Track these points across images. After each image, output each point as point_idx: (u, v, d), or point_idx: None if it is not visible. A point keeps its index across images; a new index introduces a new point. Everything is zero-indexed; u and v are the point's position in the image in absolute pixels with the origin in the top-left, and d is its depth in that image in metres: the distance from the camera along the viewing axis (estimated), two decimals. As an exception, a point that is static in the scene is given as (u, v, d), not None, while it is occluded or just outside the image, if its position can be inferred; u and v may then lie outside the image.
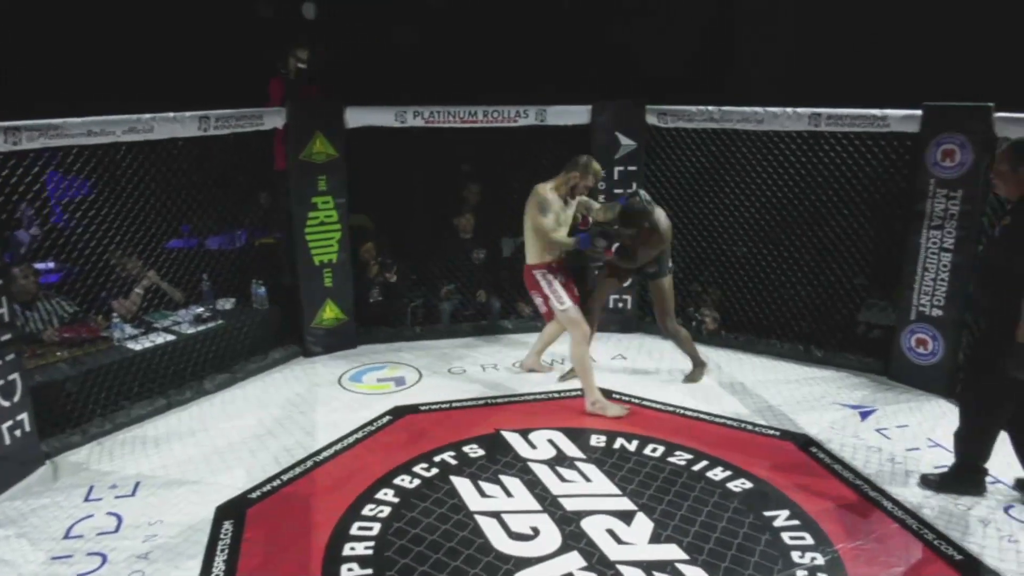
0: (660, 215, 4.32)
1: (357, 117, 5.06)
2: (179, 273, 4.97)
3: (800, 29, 6.46)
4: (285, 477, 3.66)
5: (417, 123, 5.15)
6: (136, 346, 4.45)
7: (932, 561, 3.03)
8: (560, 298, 4.34)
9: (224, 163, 4.90)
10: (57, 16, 6.02)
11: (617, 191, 5.43)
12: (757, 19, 7.20)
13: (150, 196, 4.59)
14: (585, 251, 4.33)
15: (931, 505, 3.40)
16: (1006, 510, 3.37)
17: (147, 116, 4.11)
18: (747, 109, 5.00)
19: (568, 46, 7.05)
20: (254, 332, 5.06)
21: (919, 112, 4.45)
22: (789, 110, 4.84)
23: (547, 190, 4.32)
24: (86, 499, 3.48)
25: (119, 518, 3.32)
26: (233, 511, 3.37)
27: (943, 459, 3.80)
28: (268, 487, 3.57)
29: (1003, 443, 3.81)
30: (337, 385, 4.78)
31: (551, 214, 4.28)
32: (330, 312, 5.23)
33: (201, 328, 4.78)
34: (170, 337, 4.62)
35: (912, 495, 3.48)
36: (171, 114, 4.22)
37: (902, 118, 4.51)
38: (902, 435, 4.08)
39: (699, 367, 4.80)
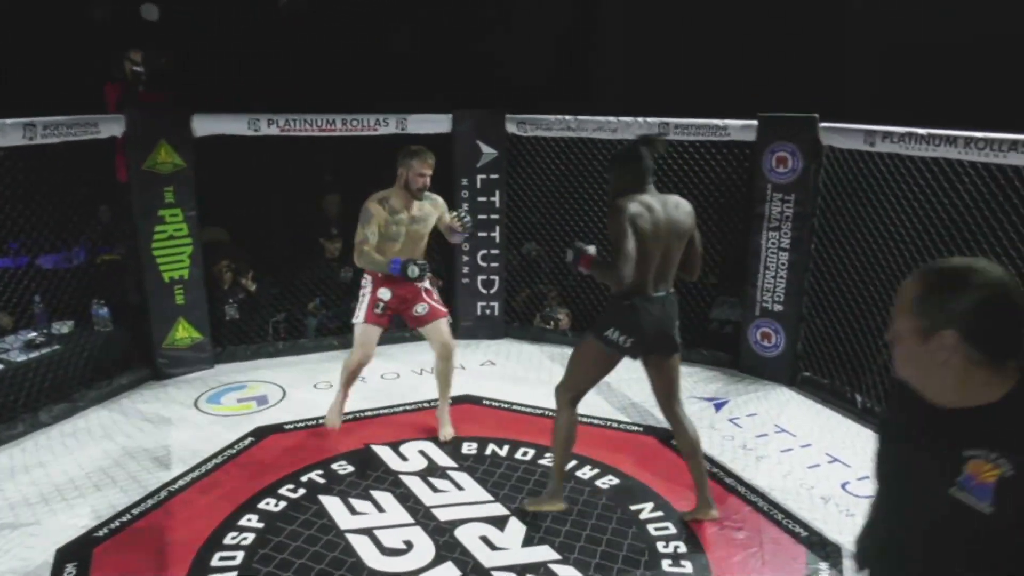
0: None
1: (206, 125, 4.80)
2: (6, 295, 4.51)
3: (651, 42, 6.80)
4: (136, 511, 3.40)
5: (272, 131, 4.96)
6: (-44, 378, 4.01)
7: (782, 539, 3.26)
8: (358, 310, 3.96)
9: (57, 174, 4.52)
10: None
11: (481, 199, 5.48)
12: (613, 30, 7.52)
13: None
14: (409, 277, 3.73)
15: (779, 487, 3.66)
16: (843, 486, 3.68)
17: (-39, 123, 3.71)
18: (601, 118, 5.19)
19: (428, 55, 7.06)
20: (96, 356, 4.68)
21: (755, 122, 4.80)
22: (640, 119, 5.07)
23: (371, 200, 3.86)
24: None
25: (-61, 572, 2.97)
26: (77, 552, 3.09)
27: (788, 443, 4.11)
28: (116, 523, 3.31)
29: (840, 423, 4.18)
30: (193, 408, 4.51)
31: (369, 226, 3.79)
32: (183, 331, 4.93)
33: (34, 355, 4.38)
34: (-3, 366, 4.19)
35: (762, 479, 3.73)
36: (-10, 121, 3.84)
37: (740, 127, 4.84)
38: (752, 423, 4.37)
39: (704, 508, 3.36)
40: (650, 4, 6.71)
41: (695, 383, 4.96)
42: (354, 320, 4.00)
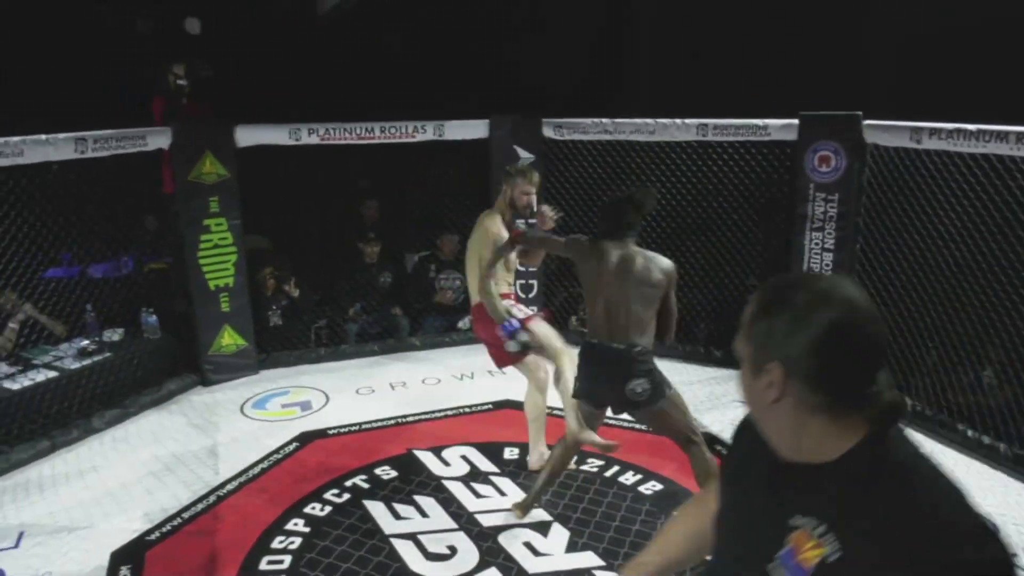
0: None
1: (249, 135, 4.90)
2: (60, 304, 4.65)
3: (687, 42, 6.74)
4: (186, 515, 3.48)
5: (312, 140, 5.03)
6: (14, 385, 4.14)
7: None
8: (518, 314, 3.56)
9: (107, 186, 4.64)
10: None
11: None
12: (645, 32, 7.47)
13: (23, 223, 4.28)
14: (508, 350, 3.52)
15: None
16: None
17: (16, 139, 3.83)
18: (639, 121, 5.16)
19: (462, 63, 7.09)
20: (146, 363, 4.80)
21: (796, 121, 4.72)
22: (678, 121, 5.03)
23: (489, 216, 3.68)
24: (-39, 556, 3.20)
25: (2, 573, 3.06)
26: (130, 555, 3.17)
27: (835, 447, 4.03)
28: (168, 527, 3.38)
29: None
30: (239, 414, 4.59)
31: (487, 247, 3.56)
32: (228, 338, 5.03)
33: (87, 362, 4.50)
34: (52, 373, 4.32)
35: (809, 484, 3.66)
36: (43, 136, 3.96)
37: (781, 127, 4.77)
38: (797, 427, 4.28)
39: None
40: (681, 4, 6.65)
41: (737, 387, 4.88)
42: (536, 330, 3.54)
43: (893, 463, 1.02)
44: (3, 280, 4.31)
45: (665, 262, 3.05)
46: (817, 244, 4.77)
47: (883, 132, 4.37)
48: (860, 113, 4.49)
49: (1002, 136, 3.74)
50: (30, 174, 4.13)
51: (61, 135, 4.05)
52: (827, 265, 4.75)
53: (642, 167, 5.39)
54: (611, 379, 2.98)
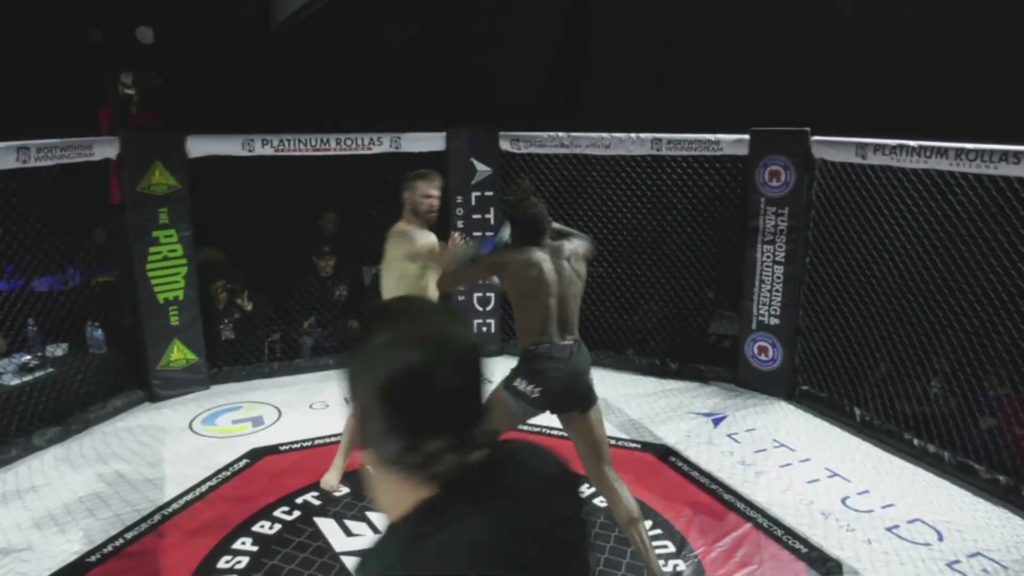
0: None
1: (200, 146, 4.81)
2: (0, 318, 4.49)
3: (646, 57, 6.83)
4: (129, 535, 3.37)
5: (266, 152, 4.97)
6: (-52, 403, 3.98)
7: (782, 555, 3.22)
8: None
9: (54, 197, 4.52)
10: None
11: (475, 216, 5.48)
12: (604, 47, 7.56)
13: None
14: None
15: (779, 503, 3.63)
16: (843, 501, 3.65)
17: (-46, 147, 3.71)
18: (595, 135, 5.21)
19: (421, 73, 7.08)
20: (90, 379, 4.65)
21: (747, 136, 4.81)
22: (633, 135, 5.09)
23: (398, 228, 3.57)
24: None
25: (-72, 601, 2.93)
26: (68, 579, 3.06)
27: (787, 457, 4.09)
28: (109, 547, 3.27)
29: (839, 437, 4.16)
30: (188, 430, 4.48)
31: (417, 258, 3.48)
32: (178, 352, 4.91)
33: (27, 378, 4.35)
34: (-10, 390, 4.17)
35: (761, 495, 3.70)
36: (-17, 144, 3.84)
37: (733, 142, 4.85)
38: (750, 438, 4.34)
39: None
40: (641, 20, 6.75)
41: (693, 398, 4.93)
42: None
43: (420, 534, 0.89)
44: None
45: (583, 245, 3.14)
46: (768, 257, 4.85)
47: (830, 147, 4.48)
48: (808, 129, 4.60)
49: (942, 152, 3.86)
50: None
51: (2, 143, 3.93)
52: (778, 278, 4.83)
53: (598, 180, 5.44)
54: (574, 374, 2.94)
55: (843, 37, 5.56)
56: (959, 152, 3.77)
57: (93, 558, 3.19)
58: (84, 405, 4.55)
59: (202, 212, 4.98)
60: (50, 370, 4.48)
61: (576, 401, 2.97)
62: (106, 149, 4.52)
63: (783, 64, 5.56)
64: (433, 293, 3.47)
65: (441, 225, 5.56)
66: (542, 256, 2.97)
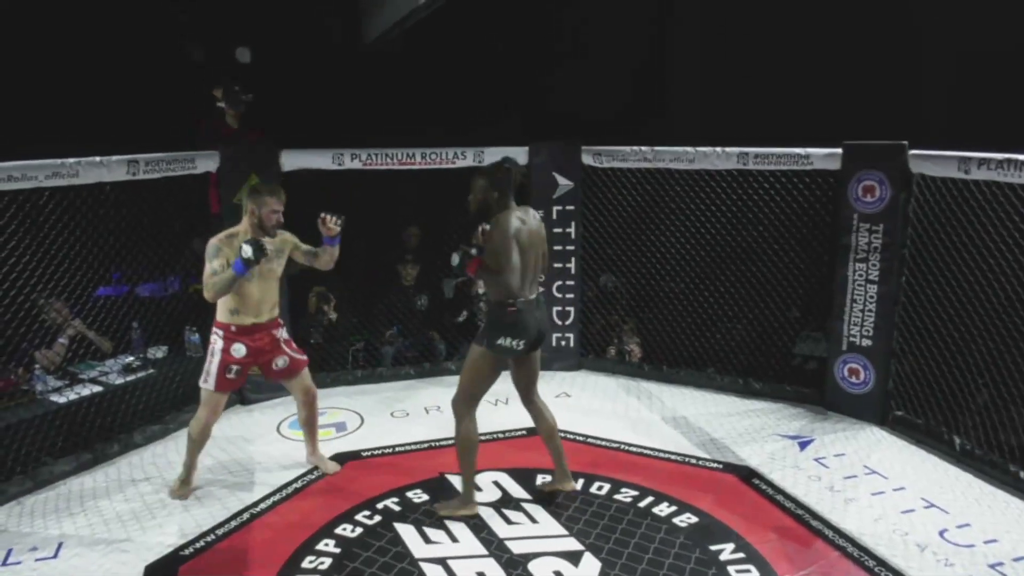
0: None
1: (293, 160, 5.01)
2: (107, 321, 4.78)
3: (729, 70, 6.73)
4: (220, 531, 3.50)
5: (354, 165, 5.13)
6: (60, 399, 4.25)
7: (873, 587, 3.08)
8: (208, 371, 3.70)
9: (157, 208, 4.79)
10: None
11: (557, 231, 5.49)
12: (688, 60, 7.48)
13: (75, 242, 4.43)
14: (244, 256, 3.38)
15: (870, 532, 3.47)
16: (941, 534, 3.46)
17: (71, 161, 3.98)
18: (678, 149, 5.14)
19: (503, 89, 7.18)
20: (187, 381, 4.88)
21: (839, 150, 4.65)
22: (719, 149, 5.00)
23: (217, 238, 3.61)
24: (4, 563, 3.25)
25: (39, 583, 3.12)
26: (164, 569, 3.20)
27: (879, 485, 3.91)
28: (202, 543, 3.41)
29: (936, 466, 3.95)
30: (276, 433, 4.64)
31: (217, 259, 3.52)
32: (268, 358, 5.08)
33: (130, 378, 4.60)
34: (97, 388, 4.43)
35: (851, 523, 3.54)
36: (97, 158, 4.10)
37: (824, 156, 4.70)
38: (839, 463, 4.17)
39: (562, 479, 3.80)
40: (725, 32, 6.65)
41: (777, 420, 4.78)
42: (202, 383, 3.73)
43: None
44: (55, 293, 4.44)
45: (534, 211, 3.54)
46: (861, 275, 4.67)
47: (929, 162, 4.28)
48: (905, 142, 4.42)
49: (1055, 167, 3.63)
50: (84, 195, 4.27)
51: (114, 157, 4.19)
52: (871, 297, 4.64)
53: (681, 195, 5.37)
54: (542, 324, 3.49)
55: (939, 39, 5.32)
56: (1074, 167, 3.54)
57: (187, 551, 3.34)
58: (181, 405, 4.78)
59: (291, 223, 5.16)
60: (151, 371, 4.72)
61: (538, 345, 3.51)
62: (207, 162, 4.76)
63: (875, 72, 5.37)
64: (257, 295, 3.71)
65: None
66: (520, 214, 3.38)
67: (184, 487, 3.85)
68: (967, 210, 4.13)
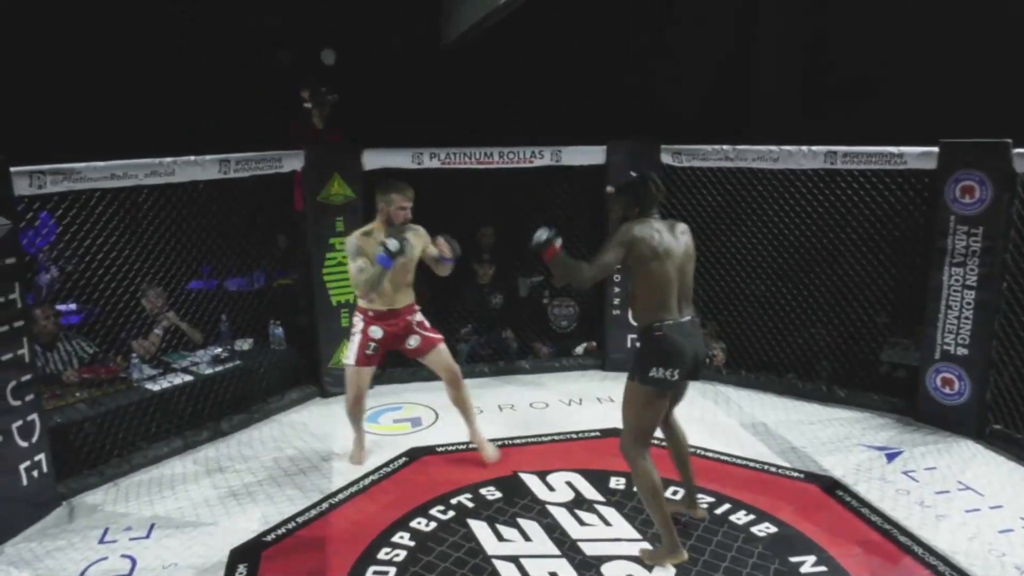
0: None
1: (375, 159, 5.12)
2: (198, 314, 5.01)
3: (814, 66, 6.51)
4: (300, 519, 3.61)
5: (433, 164, 5.20)
6: (154, 387, 4.46)
7: (967, 609, 2.92)
8: (351, 350, 4.05)
9: (245, 205, 4.98)
10: (76, 63, 6.18)
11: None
12: (772, 56, 7.27)
13: (171, 238, 4.65)
14: (391, 250, 3.61)
15: (963, 551, 3.29)
16: (1042, 556, 3.25)
17: (168, 160, 4.18)
18: (762, 148, 5.00)
19: (583, 87, 7.14)
20: (271, 372, 5.06)
21: (935, 149, 4.43)
22: (805, 148, 4.83)
23: (354, 235, 3.90)
24: (101, 541, 3.45)
25: (133, 561, 3.29)
26: (247, 554, 3.32)
27: (974, 502, 3.70)
28: (283, 530, 3.53)
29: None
30: (353, 426, 4.75)
31: (360, 258, 3.77)
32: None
33: (219, 368, 4.79)
34: (188, 377, 4.63)
35: (943, 540, 3.37)
36: (192, 157, 4.30)
37: (919, 155, 4.48)
38: (931, 477, 3.97)
39: (689, 503, 3.56)
40: (808, 26, 6.43)
41: (863, 430, 4.59)
42: (345, 361, 4.13)
43: None
44: (156, 281, 4.70)
45: (683, 226, 3.20)
46: (958, 281, 4.43)
47: (1036, 162, 4.03)
48: (1009, 140, 4.16)
49: None
50: (179, 193, 4.48)
51: (208, 156, 4.38)
52: (968, 304, 4.40)
53: (764, 196, 5.22)
54: (698, 348, 3.11)
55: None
56: None
57: (269, 538, 3.46)
58: (265, 396, 4.96)
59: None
60: (238, 362, 4.91)
61: (695, 373, 3.16)
62: (293, 162, 4.92)
63: (973, 66, 5.09)
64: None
65: (601, 238, 5.59)
66: (659, 226, 3.08)
67: (358, 452, 4.22)
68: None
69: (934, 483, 3.91)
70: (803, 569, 3.15)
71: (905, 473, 4.02)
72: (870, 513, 3.60)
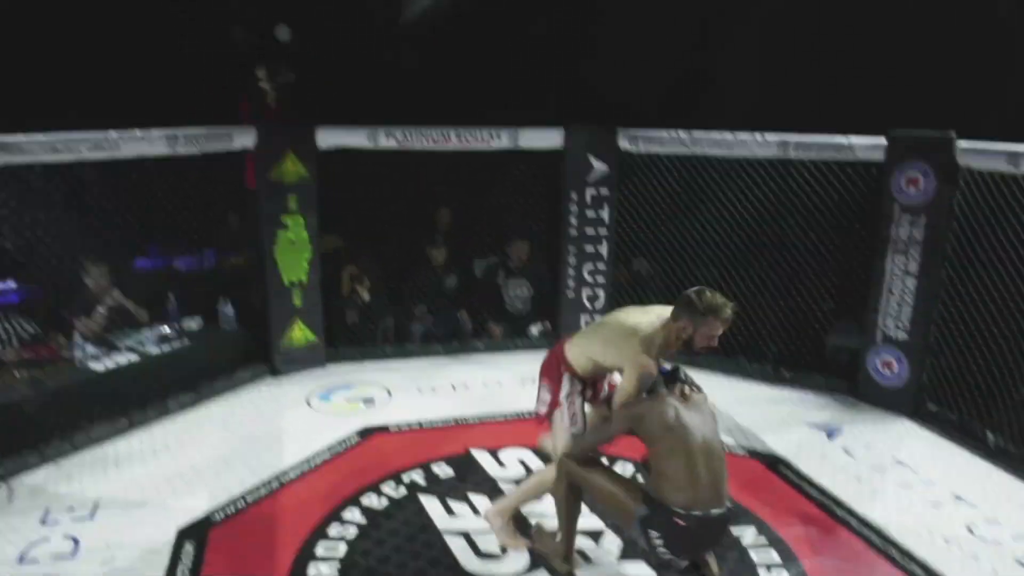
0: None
1: (329, 137, 5.05)
2: (145, 292, 4.89)
3: (770, 56, 6.60)
4: (249, 498, 3.58)
5: (390, 144, 5.15)
6: (98, 366, 4.36)
7: (898, 579, 3.05)
8: (574, 417, 3.07)
9: (194, 182, 4.87)
10: (18, 32, 5.95)
11: (589, 213, 5.48)
12: (729, 47, 7.35)
13: (116, 215, 4.53)
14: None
15: (896, 524, 3.42)
16: (969, 528, 3.41)
17: (113, 134, 4.06)
18: (717, 135, 5.08)
19: (540, 72, 7.13)
20: (220, 352, 4.98)
21: (883, 140, 4.56)
22: (758, 136, 4.92)
23: (647, 351, 2.83)
24: (42, 522, 3.37)
25: (76, 542, 3.22)
26: (195, 533, 3.29)
27: (907, 478, 3.86)
28: (232, 508, 3.49)
29: (968, 461, 3.89)
30: (305, 405, 4.72)
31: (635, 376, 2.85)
32: (299, 332, 5.17)
33: (166, 348, 4.70)
34: (134, 357, 4.53)
35: (877, 514, 3.50)
36: (138, 132, 4.18)
37: (867, 146, 4.60)
38: (868, 454, 4.12)
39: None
40: (767, 14, 6.51)
41: (806, 409, 4.73)
42: (569, 426, 3.06)
43: None
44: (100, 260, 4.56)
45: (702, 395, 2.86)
46: (900, 268, 4.58)
47: (977, 155, 4.17)
48: (953, 133, 4.31)
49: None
50: (125, 169, 4.36)
51: (155, 131, 4.27)
52: (908, 290, 4.56)
53: (718, 182, 5.30)
54: (712, 543, 2.80)
55: (993, 27, 5.16)
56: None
57: (217, 516, 3.42)
58: (214, 375, 4.87)
59: (327, 201, 5.21)
60: (186, 342, 4.83)
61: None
62: (244, 138, 4.82)
63: (922, 58, 5.22)
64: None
65: (556, 220, 5.61)
66: (673, 402, 2.73)
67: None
68: (1015, 204, 4.02)
69: (871, 459, 4.06)
70: (744, 541, 3.25)
71: (844, 450, 4.16)
72: (809, 488, 3.73)
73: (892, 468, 3.97)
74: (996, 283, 4.15)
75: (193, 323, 5.04)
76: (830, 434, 4.37)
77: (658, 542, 2.62)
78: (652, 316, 2.94)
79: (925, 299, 4.51)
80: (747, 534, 3.30)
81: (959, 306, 4.36)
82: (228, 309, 5.15)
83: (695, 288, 2.85)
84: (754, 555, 3.16)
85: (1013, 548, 3.26)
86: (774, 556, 3.16)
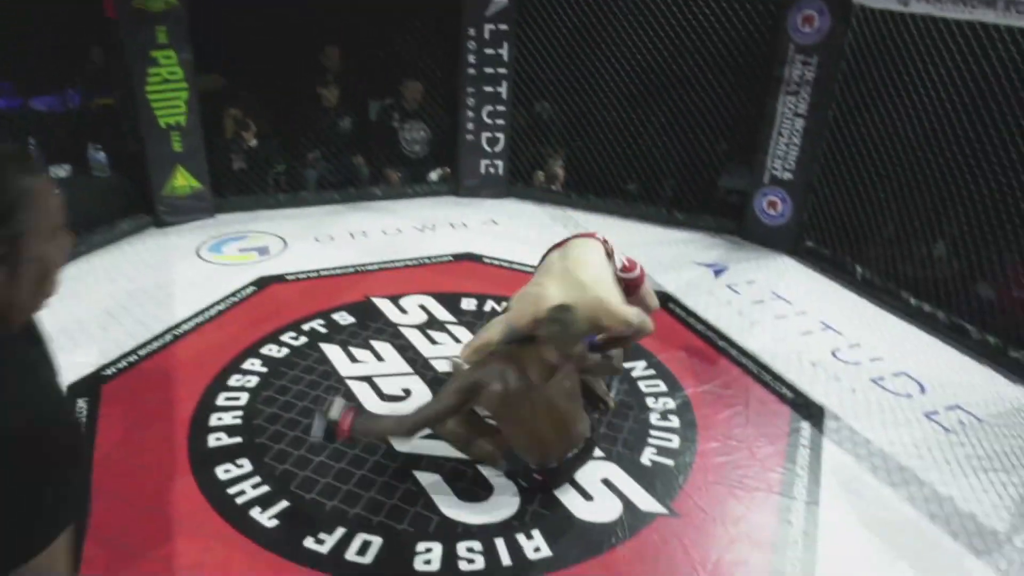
0: None
1: (199, -41, 4.52)
2: None
3: None
4: (142, 352, 3.49)
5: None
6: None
7: (768, 399, 3.36)
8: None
9: (45, 11, 4.30)
10: None
11: (488, 51, 5.24)
12: None
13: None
14: None
15: (770, 351, 3.73)
16: (833, 353, 3.75)
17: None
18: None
19: None
20: (96, 201, 4.65)
21: (783, -25, 4.49)
22: (662, -31, 4.74)
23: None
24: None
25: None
26: (86, 389, 3.20)
27: (783, 310, 4.16)
28: (124, 363, 3.40)
29: (837, 293, 4.19)
30: (195, 256, 4.53)
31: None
32: (182, 179, 4.87)
33: (33, 198, 4.33)
34: (-4, 208, 4.16)
35: (755, 343, 3.79)
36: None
37: (767, -19, 4.53)
38: (750, 290, 4.40)
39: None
40: None
41: (697, 249, 4.95)
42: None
43: None
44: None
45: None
46: (790, 109, 4.68)
47: (871, -7, 4.18)
48: (848, -31, 4.28)
49: (990, 2, 3.60)
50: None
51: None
52: (797, 131, 4.69)
53: (619, 19, 5.14)
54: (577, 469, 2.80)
55: None
56: (1008, 3, 3.52)
57: (109, 371, 3.33)
58: (91, 227, 4.57)
59: (203, 35, 4.75)
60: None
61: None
62: (98, -43, 4.25)
63: None
64: None
65: (453, 58, 5.35)
66: (506, 369, 2.60)
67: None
68: (901, 45, 4.11)
69: (752, 294, 4.34)
70: (634, 373, 3.47)
71: (729, 286, 4.42)
72: (695, 322, 3.97)
73: (770, 301, 4.26)
74: (877, 124, 4.33)
75: (61, 171, 4.64)
76: (717, 272, 4.62)
77: (525, 485, 2.71)
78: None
79: (811, 140, 4.66)
80: (637, 367, 3.52)
81: (841, 147, 4.55)
82: (100, 155, 4.77)
83: None
84: (643, 385, 3.39)
85: (869, 368, 3.64)
86: (661, 385, 3.40)
